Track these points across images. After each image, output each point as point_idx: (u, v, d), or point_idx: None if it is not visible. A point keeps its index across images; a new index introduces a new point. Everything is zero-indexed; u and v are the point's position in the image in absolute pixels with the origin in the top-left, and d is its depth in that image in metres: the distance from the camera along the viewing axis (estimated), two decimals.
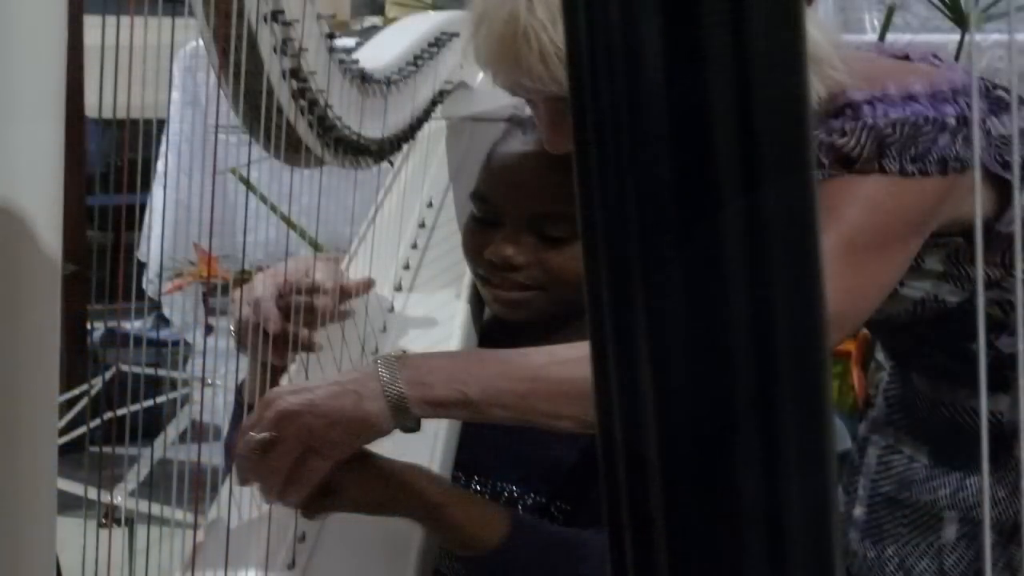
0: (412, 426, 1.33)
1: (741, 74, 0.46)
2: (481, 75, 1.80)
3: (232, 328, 1.55)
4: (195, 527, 1.43)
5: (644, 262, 0.47)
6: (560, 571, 1.43)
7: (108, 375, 3.20)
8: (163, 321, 3.61)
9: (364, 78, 1.51)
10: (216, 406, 1.91)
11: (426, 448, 1.46)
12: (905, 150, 1.38)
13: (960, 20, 2.64)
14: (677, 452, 0.48)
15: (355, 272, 1.67)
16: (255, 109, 1.34)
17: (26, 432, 0.80)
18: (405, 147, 1.79)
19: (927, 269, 1.50)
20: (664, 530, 0.48)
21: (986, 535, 1.59)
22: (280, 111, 1.36)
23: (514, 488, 1.54)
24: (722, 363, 0.47)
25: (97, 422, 2.41)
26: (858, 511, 1.73)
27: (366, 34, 2.36)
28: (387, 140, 1.63)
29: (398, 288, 1.74)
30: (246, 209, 1.99)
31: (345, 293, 1.59)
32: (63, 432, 2.13)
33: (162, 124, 3.30)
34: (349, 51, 1.50)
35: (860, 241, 1.35)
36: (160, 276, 3.17)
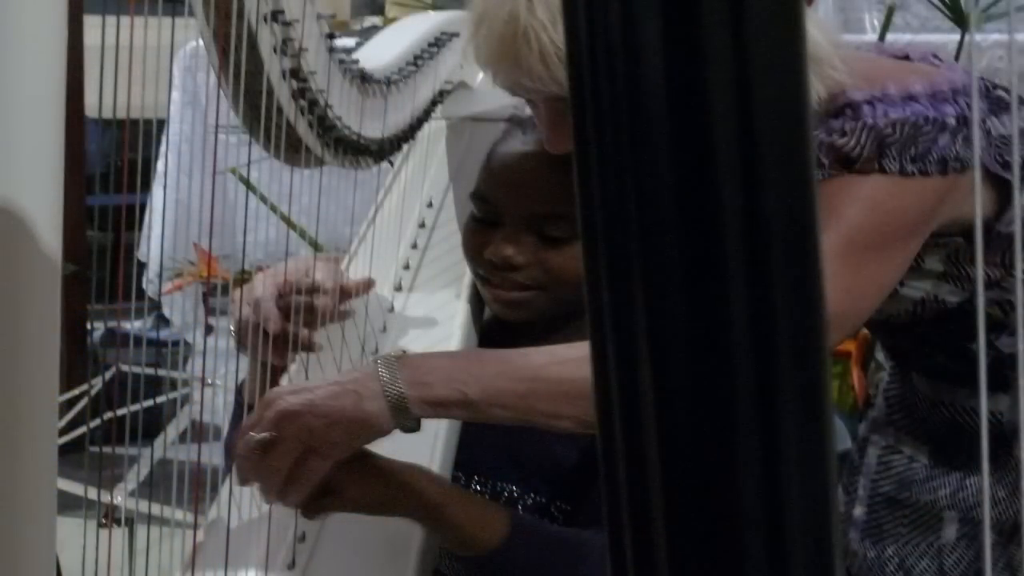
0: (412, 426, 1.33)
1: (741, 74, 0.46)
2: (481, 75, 1.80)
3: (232, 328, 1.55)
4: (195, 527, 1.43)
5: (644, 262, 0.47)
6: (560, 571, 1.43)
7: (108, 375, 3.19)
8: (163, 321, 3.61)
9: (364, 78, 1.51)
10: (216, 406, 1.91)
11: (426, 448, 1.46)
12: (905, 150, 1.38)
13: (960, 20, 2.64)
14: (677, 452, 0.48)
15: (355, 272, 1.67)
16: (255, 109, 1.34)
17: (26, 432, 0.80)
18: (405, 147, 1.79)
19: (927, 269, 1.50)
20: (664, 530, 0.48)
21: (986, 535, 1.59)
22: (280, 111, 1.36)
23: (514, 488, 1.54)
24: (722, 363, 0.47)
25: (97, 422, 2.41)
26: (858, 511, 1.73)
27: (366, 34, 2.36)
28: (387, 140, 1.63)
29: (398, 288, 1.74)
30: (246, 209, 1.99)
31: (345, 293, 1.59)
32: (63, 432, 2.12)
33: (162, 124, 3.30)
34: (349, 51, 1.50)
35: (860, 241, 1.35)
36: (160, 276, 3.17)
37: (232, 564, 1.36)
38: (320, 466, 1.32)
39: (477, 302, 1.69)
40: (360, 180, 1.74)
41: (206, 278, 2.55)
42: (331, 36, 1.41)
